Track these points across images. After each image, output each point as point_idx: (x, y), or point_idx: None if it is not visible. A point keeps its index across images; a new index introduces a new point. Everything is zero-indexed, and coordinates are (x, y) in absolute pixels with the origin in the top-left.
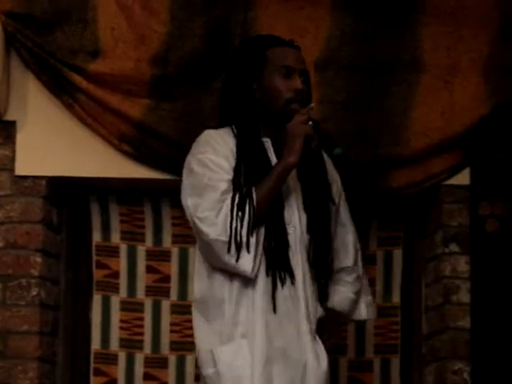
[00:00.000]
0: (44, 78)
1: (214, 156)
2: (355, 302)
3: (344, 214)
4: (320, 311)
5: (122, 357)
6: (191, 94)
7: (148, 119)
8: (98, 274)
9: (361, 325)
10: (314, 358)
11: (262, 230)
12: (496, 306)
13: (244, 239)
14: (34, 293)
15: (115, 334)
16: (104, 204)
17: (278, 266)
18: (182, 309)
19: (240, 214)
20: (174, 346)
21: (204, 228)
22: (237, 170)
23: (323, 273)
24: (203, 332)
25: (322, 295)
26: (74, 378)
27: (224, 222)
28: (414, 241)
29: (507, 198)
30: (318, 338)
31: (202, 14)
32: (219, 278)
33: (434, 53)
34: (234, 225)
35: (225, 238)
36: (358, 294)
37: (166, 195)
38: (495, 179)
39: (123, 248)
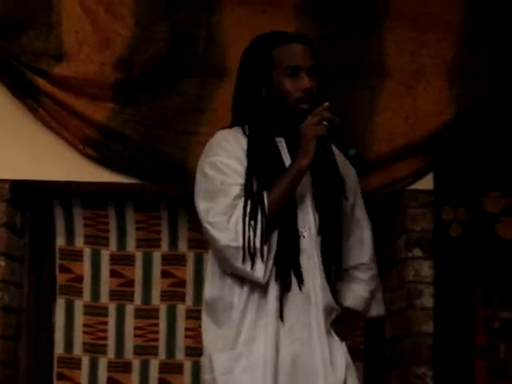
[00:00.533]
0: (7, 81)
1: (226, 159)
2: (370, 301)
3: (360, 211)
4: (336, 310)
5: (85, 361)
6: (155, 98)
7: (112, 123)
8: (61, 278)
9: None
10: (328, 365)
11: (275, 235)
12: (459, 311)
13: (258, 247)
14: None
15: (79, 339)
16: (68, 208)
17: (287, 271)
18: (146, 313)
19: (253, 221)
20: (138, 350)
21: (215, 233)
22: (249, 172)
23: (335, 272)
24: (209, 335)
25: (334, 294)
26: (37, 383)
27: (235, 227)
28: (378, 245)
29: (470, 203)
30: (336, 338)
31: (166, 18)
32: (230, 282)
33: (398, 58)
34: (246, 233)
35: (236, 244)
36: (373, 293)
37: (130, 199)
38: (459, 184)
39: (87, 252)
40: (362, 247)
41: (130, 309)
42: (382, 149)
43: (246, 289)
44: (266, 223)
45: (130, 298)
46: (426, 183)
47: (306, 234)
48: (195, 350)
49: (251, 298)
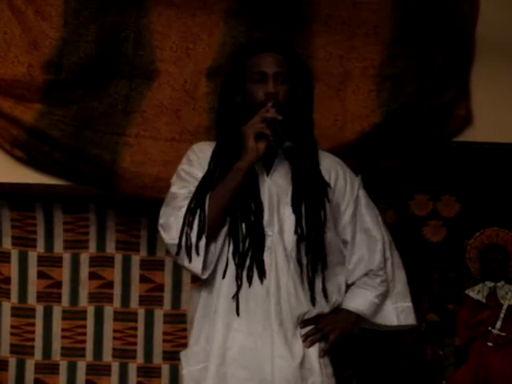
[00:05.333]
0: None
1: (188, 166)
2: (378, 306)
3: (367, 219)
4: (307, 309)
5: (12, 362)
6: (84, 99)
7: (40, 124)
8: None
9: None
10: (283, 357)
11: (223, 232)
12: None
13: (194, 242)
14: None
15: (6, 340)
16: None
17: (249, 267)
18: (73, 314)
19: (191, 218)
20: (65, 351)
21: (162, 234)
22: (207, 175)
23: (312, 271)
24: (188, 333)
25: (313, 295)
26: None
27: (176, 226)
28: None
29: (398, 206)
30: (297, 336)
31: (95, 20)
32: (198, 283)
33: (327, 61)
34: (185, 229)
35: (175, 241)
36: (381, 297)
37: (58, 200)
38: (386, 187)
39: (14, 253)
40: (371, 255)
41: (57, 310)
42: None
43: (204, 287)
44: (203, 220)
45: (57, 299)
46: None
47: (270, 232)
48: (123, 352)
49: (209, 296)
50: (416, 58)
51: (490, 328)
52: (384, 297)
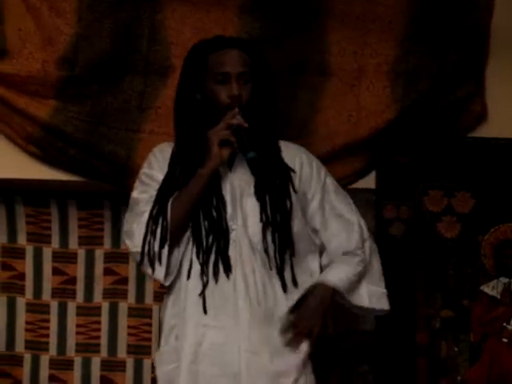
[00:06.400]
0: None
1: (147, 169)
2: (354, 284)
3: (339, 206)
4: (277, 299)
5: (27, 358)
6: (98, 96)
7: (55, 120)
8: (3, 276)
9: None
10: (254, 352)
11: (186, 234)
12: (400, 309)
13: (156, 251)
14: None
15: (21, 336)
16: (10, 205)
17: (214, 263)
18: (88, 311)
19: (154, 226)
20: (80, 347)
21: (126, 241)
22: (167, 178)
23: (280, 260)
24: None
25: (284, 283)
26: None
27: (139, 233)
28: None
29: (412, 202)
30: (269, 328)
31: (110, 16)
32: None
33: (341, 57)
34: (147, 237)
35: (138, 249)
36: (358, 276)
37: (72, 197)
38: (400, 183)
39: (29, 249)
40: (347, 238)
41: (72, 306)
42: (324, 147)
43: (173, 287)
44: (166, 228)
45: (72, 295)
46: (368, 182)
47: (234, 226)
48: (137, 348)
49: (178, 295)
50: (430, 54)
51: (504, 324)
52: (360, 276)
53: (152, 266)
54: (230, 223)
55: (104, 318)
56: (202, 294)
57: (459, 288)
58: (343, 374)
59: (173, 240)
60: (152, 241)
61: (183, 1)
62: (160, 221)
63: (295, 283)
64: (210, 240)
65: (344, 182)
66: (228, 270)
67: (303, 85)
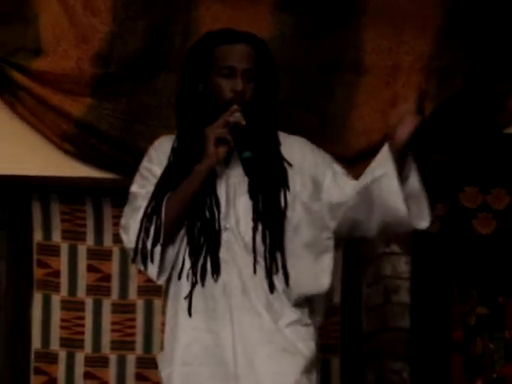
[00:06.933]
0: None
1: (147, 163)
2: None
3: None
4: (269, 299)
5: (62, 356)
6: (133, 93)
7: (89, 118)
8: (38, 273)
9: None
10: (250, 354)
11: (181, 235)
12: (436, 306)
13: (149, 249)
14: None
15: (56, 333)
16: (45, 203)
17: (203, 264)
18: (123, 308)
19: (148, 223)
20: (115, 345)
21: (122, 236)
22: (166, 172)
23: (271, 259)
24: None
25: (273, 285)
26: (13, 377)
27: (134, 230)
28: (355, 240)
29: (448, 199)
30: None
31: (144, 14)
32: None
33: (376, 54)
34: (141, 235)
35: (132, 246)
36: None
37: (107, 194)
38: (436, 180)
39: (64, 247)
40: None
41: (106, 303)
42: (360, 144)
43: (171, 289)
44: (160, 226)
45: (106, 292)
46: None
47: (228, 226)
48: None
49: (175, 297)
50: (465, 50)
51: None
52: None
53: (145, 263)
54: (223, 222)
55: (139, 316)
56: (189, 296)
57: (494, 285)
58: (379, 370)
59: (166, 238)
60: (145, 239)
61: (217, 0)
62: (154, 219)
63: (288, 283)
64: (202, 240)
65: None
66: (216, 272)
67: (338, 82)
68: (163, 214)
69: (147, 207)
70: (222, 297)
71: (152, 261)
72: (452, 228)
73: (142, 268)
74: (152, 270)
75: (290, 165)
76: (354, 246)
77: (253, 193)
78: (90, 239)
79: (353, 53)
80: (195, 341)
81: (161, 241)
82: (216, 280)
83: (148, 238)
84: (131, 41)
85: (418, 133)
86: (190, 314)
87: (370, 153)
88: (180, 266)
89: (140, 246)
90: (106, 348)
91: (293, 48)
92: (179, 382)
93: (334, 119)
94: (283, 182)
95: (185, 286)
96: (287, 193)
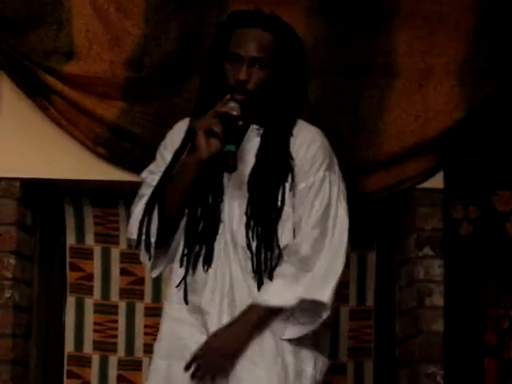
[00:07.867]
0: (18, 80)
1: (162, 148)
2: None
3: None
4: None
5: (95, 359)
6: (165, 96)
7: (122, 121)
8: (71, 277)
9: (334, 328)
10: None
11: (178, 223)
12: (469, 310)
13: (143, 240)
14: (8, 295)
15: (89, 337)
16: (78, 206)
17: (196, 255)
18: (156, 311)
19: (148, 213)
20: (148, 348)
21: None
22: (170, 163)
23: (264, 256)
24: None
25: (261, 283)
26: (47, 381)
27: (136, 219)
28: (388, 244)
29: (481, 202)
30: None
31: (176, 17)
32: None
33: (408, 57)
34: (142, 225)
35: (132, 236)
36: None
37: None
38: (469, 183)
39: (97, 250)
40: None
41: (139, 307)
42: (392, 147)
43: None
44: (158, 216)
45: (139, 296)
46: (436, 182)
47: (225, 218)
48: None
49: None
50: (499, 52)
51: None
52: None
53: (144, 255)
54: (222, 214)
55: None
56: (184, 284)
57: None
58: (412, 374)
59: (160, 236)
60: (145, 231)
61: (249, 1)
62: (147, 218)
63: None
64: (199, 231)
65: (412, 182)
66: (207, 262)
67: (370, 85)
68: (157, 213)
69: (148, 201)
70: (212, 289)
71: (149, 253)
72: (485, 231)
73: (141, 257)
74: (147, 262)
75: (292, 159)
76: (387, 250)
77: (251, 188)
78: (123, 242)
79: (385, 55)
80: (178, 333)
81: (154, 239)
82: (207, 271)
83: (147, 230)
84: (164, 44)
85: (450, 135)
86: (186, 301)
87: (403, 156)
88: (180, 253)
89: (137, 241)
90: (139, 351)
91: (325, 51)
92: (155, 375)
93: (365, 122)
94: (283, 179)
95: (176, 275)
96: (286, 191)
